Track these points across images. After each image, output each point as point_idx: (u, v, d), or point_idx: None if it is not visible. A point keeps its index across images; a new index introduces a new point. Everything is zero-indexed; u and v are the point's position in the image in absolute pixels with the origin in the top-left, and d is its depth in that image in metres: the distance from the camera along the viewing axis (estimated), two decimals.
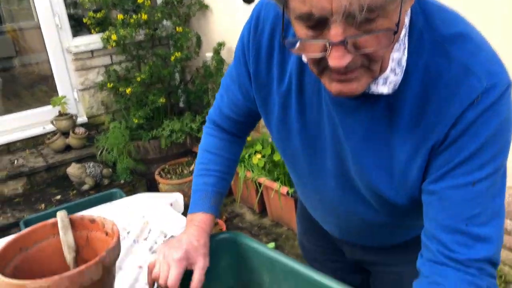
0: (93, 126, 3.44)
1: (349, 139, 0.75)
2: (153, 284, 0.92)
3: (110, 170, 3.03)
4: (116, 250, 0.95)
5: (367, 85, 0.64)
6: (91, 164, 2.95)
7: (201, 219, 0.95)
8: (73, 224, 1.06)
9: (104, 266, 0.90)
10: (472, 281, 0.63)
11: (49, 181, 3.06)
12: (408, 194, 0.74)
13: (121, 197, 1.78)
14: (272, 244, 2.57)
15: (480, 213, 0.64)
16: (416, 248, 0.74)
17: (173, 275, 0.85)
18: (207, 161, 0.99)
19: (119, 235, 0.98)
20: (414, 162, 0.70)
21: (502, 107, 0.63)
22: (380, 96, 0.69)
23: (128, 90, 3.05)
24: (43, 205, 2.78)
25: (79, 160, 3.07)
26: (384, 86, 0.66)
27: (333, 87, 0.64)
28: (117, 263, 1.23)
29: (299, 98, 0.79)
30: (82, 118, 3.40)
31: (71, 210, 1.08)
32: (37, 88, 3.60)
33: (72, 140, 3.15)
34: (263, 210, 3.04)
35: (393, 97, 0.68)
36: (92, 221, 1.05)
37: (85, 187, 2.90)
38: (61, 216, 1.01)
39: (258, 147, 2.84)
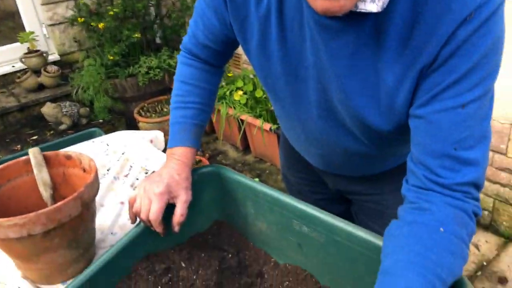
0: (66, 64, 3.28)
1: (333, 64, 0.71)
2: (135, 219, 0.90)
3: (88, 109, 2.95)
4: (94, 186, 0.92)
5: (355, 2, 0.59)
6: (67, 103, 2.85)
7: (182, 152, 0.92)
8: (48, 161, 1.02)
9: (82, 201, 0.87)
10: (458, 205, 0.62)
11: (23, 122, 2.96)
12: (395, 120, 0.72)
13: (100, 135, 1.73)
14: (256, 180, 2.58)
15: (468, 136, 0.62)
16: (400, 177, 0.73)
17: (155, 209, 0.83)
18: (184, 93, 0.94)
19: (96, 170, 0.95)
20: (402, 86, 0.67)
21: (495, 25, 0.59)
22: (368, 16, 0.64)
23: (101, 25, 2.89)
24: (19, 146, 2.71)
25: (54, 100, 2.96)
26: (373, 3, 0.61)
27: (318, 4, 0.59)
28: (99, 200, 1.22)
29: (279, 21, 0.74)
30: (54, 56, 3.24)
31: (49, 150, 1.03)
32: (3, 24, 3.38)
33: (44, 79, 3.02)
34: (246, 147, 3.03)
35: (381, 17, 0.63)
36: (68, 157, 1.01)
37: (63, 127, 2.82)
38: (34, 153, 0.97)
39: (240, 83, 2.78)
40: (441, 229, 0.59)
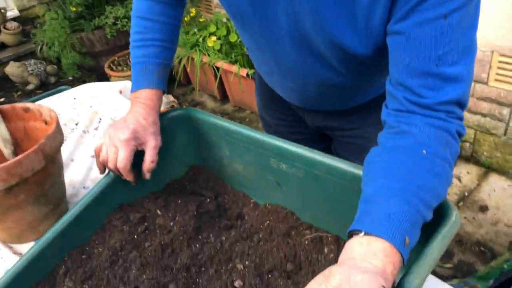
0: (27, 20, 3.09)
1: None
2: (104, 169, 0.85)
3: (55, 66, 2.81)
4: (57, 137, 0.86)
5: None
6: (32, 61, 2.71)
7: (146, 95, 0.85)
8: (5, 116, 0.94)
9: (45, 154, 0.81)
10: (441, 126, 0.58)
11: None
12: (373, 42, 0.66)
13: None
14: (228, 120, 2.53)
15: (451, 50, 0.57)
16: (378, 109, 0.69)
17: (122, 157, 0.78)
18: (143, 30, 0.86)
19: (58, 121, 0.88)
20: (378, 2, 0.61)
21: None
22: None
23: None
24: None
25: (17, 59, 2.81)
26: None
27: None
28: (68, 155, 1.16)
29: None
30: (13, 12, 3.04)
31: None
32: None
33: (5, 37, 2.84)
34: (224, 97, 2.96)
35: None
36: (26, 109, 0.94)
37: (30, 86, 2.70)
38: None
39: (212, 28, 2.66)
40: (424, 151, 0.56)
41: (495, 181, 2.01)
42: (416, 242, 0.52)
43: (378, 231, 0.50)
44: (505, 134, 1.97)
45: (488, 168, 2.08)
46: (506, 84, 1.84)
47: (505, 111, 1.91)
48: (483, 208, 1.89)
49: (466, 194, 1.98)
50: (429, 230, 0.56)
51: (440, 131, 0.58)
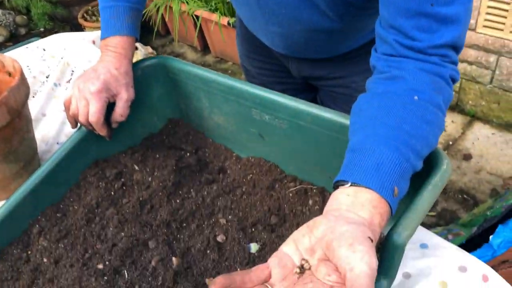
0: None
1: None
2: (75, 123, 0.80)
3: (25, 17, 2.65)
4: (21, 90, 0.80)
5: None
6: (0, 12, 2.54)
7: (117, 43, 0.79)
8: None
9: (9, 108, 0.75)
10: (434, 70, 0.54)
11: None
12: None
13: None
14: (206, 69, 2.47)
15: None
16: (367, 57, 0.64)
17: (94, 110, 0.73)
18: None
19: (22, 72, 0.81)
20: None
21: None
22: None
23: None
24: None
25: None
26: None
27: None
28: (39, 109, 1.09)
29: None
30: None
31: None
32: None
33: None
34: (205, 47, 2.85)
35: None
36: None
37: None
38: None
39: None
40: (416, 97, 0.52)
41: (479, 130, 2.01)
42: (405, 193, 0.49)
43: (365, 181, 0.47)
44: (491, 82, 1.95)
45: (473, 117, 2.08)
46: (495, 31, 1.79)
47: (492, 58, 1.87)
48: (467, 157, 1.90)
49: (451, 143, 1.98)
50: (418, 180, 0.53)
51: (433, 76, 0.54)
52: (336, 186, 0.50)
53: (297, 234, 0.46)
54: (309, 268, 0.44)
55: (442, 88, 0.54)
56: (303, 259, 0.44)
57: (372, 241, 0.42)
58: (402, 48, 0.56)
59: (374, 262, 0.39)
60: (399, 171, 0.48)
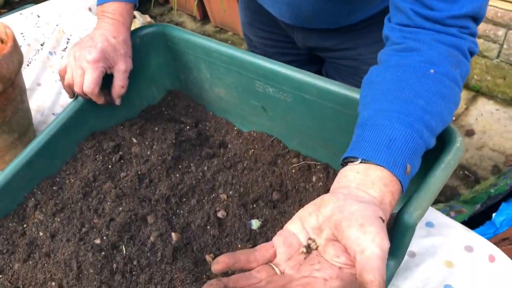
0: None
1: None
2: (73, 93, 0.76)
3: None
4: (14, 57, 0.76)
5: None
6: None
7: (115, 9, 0.75)
8: None
9: (2, 77, 0.72)
10: (452, 42, 0.51)
11: None
12: None
13: None
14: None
15: None
16: (376, 28, 0.61)
17: (89, 80, 0.70)
18: None
19: (14, 38, 0.78)
20: None
21: None
22: None
23: None
24: None
25: None
26: None
27: None
28: (34, 79, 1.06)
29: None
30: None
31: None
32: None
33: None
34: (204, 16, 2.78)
35: None
36: None
37: None
38: None
39: None
40: (432, 70, 0.49)
41: (483, 105, 1.98)
42: (417, 171, 0.47)
43: (377, 158, 0.44)
44: (498, 56, 1.90)
45: (477, 92, 2.04)
46: (505, 3, 1.74)
47: (501, 32, 1.82)
48: (470, 133, 1.87)
49: (454, 118, 1.95)
50: (429, 158, 0.51)
51: (450, 49, 0.50)
52: (344, 163, 0.47)
53: (303, 212, 0.44)
54: (316, 248, 0.42)
55: (460, 62, 0.51)
56: (310, 238, 0.42)
57: (383, 221, 0.40)
58: (418, 18, 0.52)
59: (386, 244, 0.37)
60: (412, 148, 0.45)
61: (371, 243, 0.37)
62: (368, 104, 0.50)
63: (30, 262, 0.64)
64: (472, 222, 1.08)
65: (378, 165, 0.44)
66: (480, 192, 1.19)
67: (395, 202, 0.44)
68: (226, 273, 0.56)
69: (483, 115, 1.93)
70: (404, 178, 0.45)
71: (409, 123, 0.46)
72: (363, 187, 0.43)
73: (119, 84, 0.73)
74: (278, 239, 0.43)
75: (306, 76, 0.66)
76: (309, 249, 0.41)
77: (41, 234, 0.66)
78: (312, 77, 0.66)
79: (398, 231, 0.46)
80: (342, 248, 0.39)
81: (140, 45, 0.81)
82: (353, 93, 0.62)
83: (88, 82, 0.70)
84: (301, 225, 0.44)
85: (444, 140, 0.52)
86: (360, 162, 0.45)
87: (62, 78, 0.75)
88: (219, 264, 0.40)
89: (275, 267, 0.41)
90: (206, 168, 0.75)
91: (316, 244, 0.42)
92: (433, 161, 0.51)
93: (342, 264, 0.39)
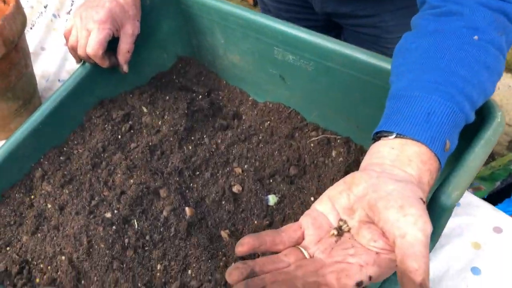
0: None
1: None
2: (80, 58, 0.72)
3: None
4: (17, 18, 0.72)
5: None
6: None
7: None
8: None
9: (4, 39, 0.68)
10: (498, 6, 0.46)
11: None
12: None
13: None
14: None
15: None
16: None
17: (93, 41, 0.65)
18: None
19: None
20: None
21: None
22: None
23: None
24: None
25: None
26: None
27: None
28: (38, 43, 1.01)
29: None
30: None
31: None
32: None
33: None
34: None
35: None
36: None
37: None
38: None
39: None
40: (475, 37, 0.44)
41: (501, 79, 1.91)
42: (455, 147, 0.43)
43: (414, 133, 0.40)
44: None
45: None
46: None
47: None
48: None
49: None
50: (466, 133, 0.47)
51: (496, 14, 0.45)
52: (377, 137, 0.43)
53: (333, 191, 0.41)
54: (348, 231, 0.38)
55: (506, 28, 0.46)
56: (341, 219, 0.39)
57: (424, 202, 0.36)
58: None
59: (428, 228, 0.34)
60: (452, 122, 0.41)
61: (413, 227, 0.33)
62: (402, 74, 0.46)
63: (39, 235, 0.61)
64: (490, 199, 1.05)
65: (416, 140, 0.40)
66: (498, 168, 1.15)
67: (433, 182, 0.40)
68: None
69: (500, 89, 1.87)
70: (443, 155, 0.41)
71: (449, 94, 0.41)
72: (399, 164, 0.40)
73: (125, 48, 0.69)
74: (306, 220, 0.40)
75: (331, 43, 0.61)
76: (340, 231, 0.38)
77: (49, 206, 0.64)
78: (338, 44, 0.61)
79: (434, 214, 0.42)
80: (379, 232, 0.36)
81: (150, 7, 0.75)
82: (382, 62, 0.58)
83: (93, 43, 0.65)
84: (331, 204, 0.40)
85: (482, 114, 0.48)
86: (396, 137, 0.41)
87: (67, 41, 0.71)
88: (244, 246, 0.36)
89: (303, 250, 0.38)
90: (219, 140, 0.72)
91: (348, 226, 0.38)
92: (469, 138, 0.47)
93: (379, 249, 0.36)
